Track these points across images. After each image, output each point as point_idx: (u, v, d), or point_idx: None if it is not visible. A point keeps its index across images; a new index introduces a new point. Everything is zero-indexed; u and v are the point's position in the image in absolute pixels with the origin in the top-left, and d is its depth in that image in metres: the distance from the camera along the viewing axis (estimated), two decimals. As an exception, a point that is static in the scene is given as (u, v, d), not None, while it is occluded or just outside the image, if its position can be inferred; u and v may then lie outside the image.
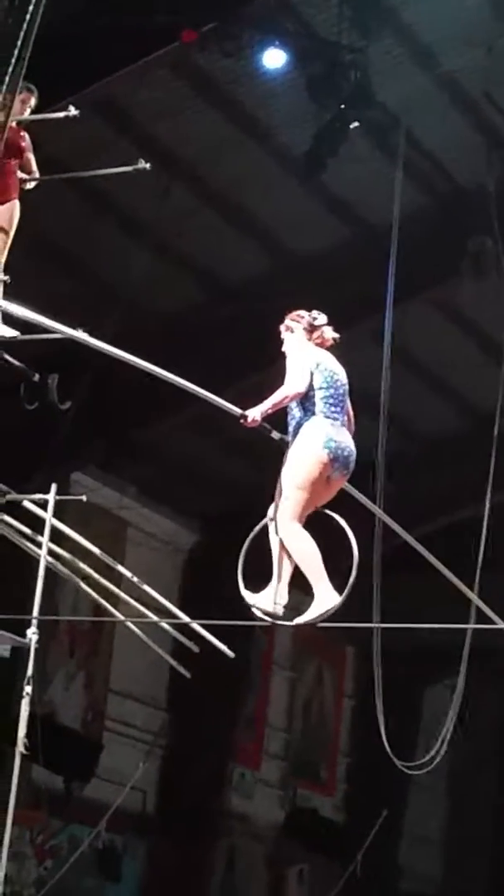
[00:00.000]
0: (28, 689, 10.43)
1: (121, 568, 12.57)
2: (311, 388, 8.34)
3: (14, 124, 9.98)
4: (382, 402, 15.13)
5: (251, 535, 8.51)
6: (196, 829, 21.36)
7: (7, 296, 10.16)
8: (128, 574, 12.47)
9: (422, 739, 22.25)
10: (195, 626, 12.30)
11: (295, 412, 8.40)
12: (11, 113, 9.68)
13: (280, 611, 8.39)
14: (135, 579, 12.45)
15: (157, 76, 14.69)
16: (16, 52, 8.71)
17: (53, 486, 11.33)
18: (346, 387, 8.52)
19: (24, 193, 10.51)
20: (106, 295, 16.52)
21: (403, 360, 17.28)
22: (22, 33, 8.66)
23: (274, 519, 8.33)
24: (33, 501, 11.56)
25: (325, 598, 8.16)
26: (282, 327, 8.68)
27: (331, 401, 8.37)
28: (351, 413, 8.58)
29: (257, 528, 8.49)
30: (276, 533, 8.34)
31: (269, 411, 8.29)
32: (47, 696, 18.97)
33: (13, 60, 8.72)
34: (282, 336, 8.66)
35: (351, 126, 14.84)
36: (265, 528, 8.48)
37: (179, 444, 19.68)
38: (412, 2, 14.75)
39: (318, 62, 14.46)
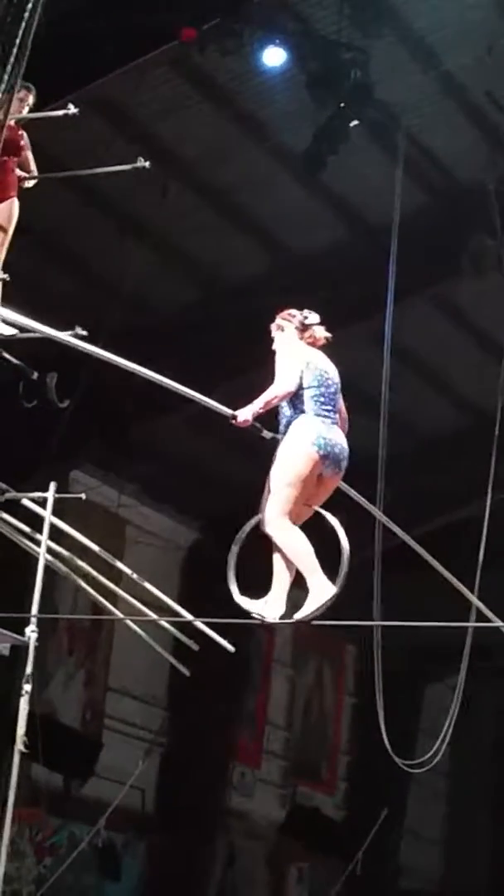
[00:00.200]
0: (27, 687, 10.40)
1: (121, 565, 12.53)
2: (301, 386, 8.31)
3: (13, 123, 9.98)
4: (382, 402, 15.12)
5: (242, 533, 8.40)
6: (196, 828, 21.35)
7: (6, 295, 10.16)
8: (128, 571, 12.43)
9: (422, 737, 22.24)
10: (195, 623, 12.27)
11: (285, 410, 8.37)
12: (10, 111, 9.67)
13: (272, 612, 8.29)
14: (135, 576, 12.42)
15: (157, 74, 14.69)
16: (14, 50, 8.70)
17: (52, 485, 11.30)
18: (338, 385, 8.49)
19: (22, 192, 10.52)
20: (105, 293, 16.50)
21: (403, 360, 17.26)
22: (21, 31, 8.64)
23: (261, 515, 8.24)
24: (32, 499, 11.52)
25: (321, 590, 8.10)
26: (272, 326, 8.65)
27: (322, 399, 8.34)
28: (344, 412, 8.55)
29: (247, 526, 8.39)
30: (264, 529, 8.25)
31: (260, 411, 8.25)
32: (47, 694, 18.95)
33: (11, 59, 8.70)
34: (272, 335, 8.63)
35: (351, 125, 14.80)
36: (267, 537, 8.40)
37: (179, 442, 19.66)
38: (413, 0, 14.74)
39: (317, 60, 14.42)
